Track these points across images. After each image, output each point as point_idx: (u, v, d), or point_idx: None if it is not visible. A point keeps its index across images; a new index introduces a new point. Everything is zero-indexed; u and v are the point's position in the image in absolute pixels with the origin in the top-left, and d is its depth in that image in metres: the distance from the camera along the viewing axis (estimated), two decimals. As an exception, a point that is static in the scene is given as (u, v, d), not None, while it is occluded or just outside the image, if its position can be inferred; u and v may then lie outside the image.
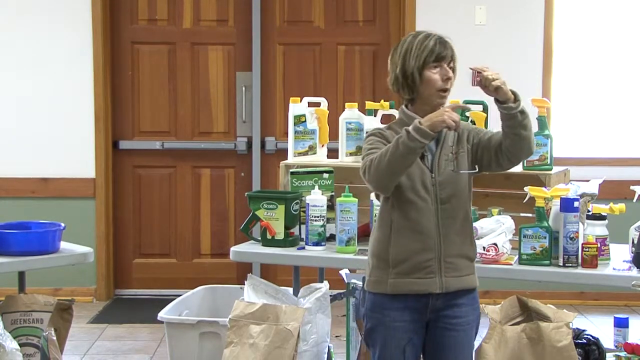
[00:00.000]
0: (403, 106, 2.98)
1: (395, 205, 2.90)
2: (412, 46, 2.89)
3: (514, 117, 2.83)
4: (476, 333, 3.03)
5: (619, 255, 3.55)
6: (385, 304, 2.93)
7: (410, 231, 2.89)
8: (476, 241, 3.43)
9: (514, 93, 2.84)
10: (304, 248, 3.74)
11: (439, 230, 2.89)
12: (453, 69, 2.93)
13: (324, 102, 4.23)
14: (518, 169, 3.84)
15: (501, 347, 3.16)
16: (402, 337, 2.92)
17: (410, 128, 2.77)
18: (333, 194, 3.85)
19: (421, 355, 3.02)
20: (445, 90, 2.90)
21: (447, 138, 2.92)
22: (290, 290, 3.86)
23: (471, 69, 2.87)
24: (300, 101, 4.16)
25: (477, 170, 2.95)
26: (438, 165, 2.90)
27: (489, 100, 4.10)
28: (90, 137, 5.94)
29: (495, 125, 4.17)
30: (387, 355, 2.93)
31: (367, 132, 3.10)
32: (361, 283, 3.79)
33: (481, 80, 2.83)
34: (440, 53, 2.89)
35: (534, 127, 3.78)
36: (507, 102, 2.82)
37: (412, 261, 2.89)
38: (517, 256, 3.46)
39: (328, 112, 4.21)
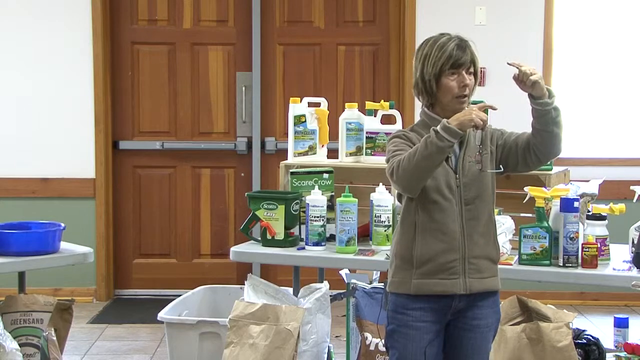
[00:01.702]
0: (425, 108, 2.97)
1: (420, 206, 2.89)
2: (430, 52, 2.88)
3: (548, 114, 2.84)
4: (494, 336, 3.02)
5: (619, 255, 3.55)
6: (407, 304, 2.91)
7: (435, 232, 2.88)
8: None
9: (548, 89, 2.84)
10: (304, 248, 3.74)
11: (463, 231, 2.88)
12: (474, 73, 2.91)
13: (324, 102, 4.23)
14: (518, 169, 3.84)
15: (501, 347, 3.16)
16: (423, 338, 2.90)
17: (438, 128, 2.76)
18: (333, 194, 3.85)
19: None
20: (464, 96, 2.88)
21: (470, 139, 2.92)
22: (290, 290, 3.86)
23: (509, 64, 2.86)
24: (300, 101, 4.16)
25: (502, 170, 2.94)
26: (462, 166, 2.89)
27: (489, 101, 4.12)
28: (90, 137, 5.94)
29: (495, 125, 4.18)
30: (407, 356, 2.92)
31: (389, 135, 3.10)
32: (362, 283, 3.79)
33: (518, 76, 2.81)
34: (457, 60, 2.86)
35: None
36: (542, 97, 2.83)
37: (436, 262, 2.88)
38: (517, 256, 3.46)
39: (328, 112, 4.21)
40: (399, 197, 3.02)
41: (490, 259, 2.94)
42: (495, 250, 2.97)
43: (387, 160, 2.89)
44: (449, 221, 2.87)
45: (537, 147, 2.88)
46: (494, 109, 2.97)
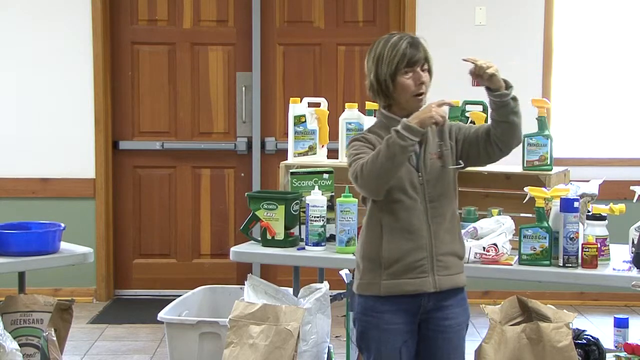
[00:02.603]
0: (382, 109, 2.97)
1: (384, 206, 2.90)
2: (383, 52, 2.89)
3: (507, 105, 2.83)
4: (465, 332, 3.05)
5: (619, 255, 3.55)
6: (377, 307, 2.91)
7: (401, 231, 2.88)
8: (476, 241, 3.45)
9: (505, 81, 2.84)
10: (304, 248, 3.74)
11: (429, 229, 2.89)
12: (429, 70, 2.91)
13: (324, 102, 4.23)
14: (518, 169, 3.84)
15: (501, 347, 3.16)
16: (397, 340, 2.91)
17: (399, 127, 2.76)
18: (333, 194, 3.85)
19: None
20: (421, 94, 2.88)
21: (429, 136, 2.92)
22: (290, 290, 3.86)
23: (464, 60, 2.88)
24: (300, 101, 4.16)
25: (462, 165, 2.95)
26: (424, 164, 2.90)
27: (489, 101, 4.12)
28: (90, 138, 5.94)
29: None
30: (383, 358, 2.92)
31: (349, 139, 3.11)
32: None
33: (475, 70, 2.82)
34: (412, 58, 2.87)
35: (534, 127, 3.82)
36: (499, 89, 2.83)
37: (404, 261, 2.88)
38: (517, 256, 3.46)
39: (328, 112, 4.21)
40: (364, 200, 3.02)
41: (457, 256, 2.97)
42: (461, 246, 3.00)
43: (350, 165, 2.88)
44: (414, 220, 2.88)
45: (498, 138, 2.87)
46: (452, 105, 2.98)
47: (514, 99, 2.84)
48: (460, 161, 2.95)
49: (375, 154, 2.79)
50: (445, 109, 2.88)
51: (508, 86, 2.84)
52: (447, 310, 2.94)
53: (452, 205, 2.96)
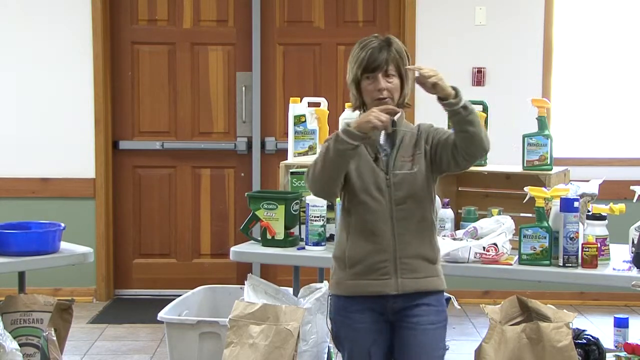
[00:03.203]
0: (357, 110, 2.99)
1: (351, 207, 2.91)
2: (351, 57, 2.94)
3: (458, 114, 2.78)
4: (443, 339, 2.98)
5: (619, 255, 3.55)
6: (347, 306, 2.94)
7: (364, 233, 2.89)
8: (476, 241, 3.45)
9: (455, 89, 2.79)
10: (304, 248, 3.74)
11: (394, 231, 2.87)
12: (399, 74, 2.90)
13: (324, 102, 4.23)
14: (518, 169, 3.85)
15: (501, 347, 3.16)
16: (366, 339, 2.92)
17: (339, 131, 2.79)
18: (333, 194, 3.84)
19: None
20: (383, 99, 2.86)
21: (405, 139, 2.92)
22: (290, 290, 3.86)
23: (407, 68, 2.87)
24: (300, 101, 4.16)
25: (415, 171, 2.90)
26: (394, 166, 2.89)
27: (489, 101, 4.13)
28: (90, 138, 5.94)
29: (495, 125, 4.18)
30: (354, 357, 2.94)
31: None
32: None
33: (418, 78, 2.80)
34: (370, 64, 2.87)
35: (534, 127, 3.82)
36: (447, 98, 2.78)
37: (366, 262, 2.89)
38: (517, 256, 3.46)
39: (328, 112, 4.21)
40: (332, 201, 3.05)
41: (426, 259, 2.92)
42: (432, 250, 2.94)
43: None
44: (378, 221, 2.87)
45: (461, 147, 2.83)
46: (396, 111, 2.90)
47: (465, 107, 2.78)
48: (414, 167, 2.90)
49: (318, 156, 2.83)
50: (401, 114, 2.90)
51: (457, 95, 2.78)
52: (417, 309, 2.90)
53: (423, 208, 2.92)
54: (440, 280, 2.96)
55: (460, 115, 2.78)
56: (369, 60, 2.87)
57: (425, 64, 5.97)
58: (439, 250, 3.00)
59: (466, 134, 2.79)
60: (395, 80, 2.89)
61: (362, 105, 2.95)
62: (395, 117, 2.89)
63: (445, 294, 3.48)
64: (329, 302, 3.04)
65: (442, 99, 2.79)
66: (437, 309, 2.94)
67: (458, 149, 2.83)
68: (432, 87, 2.77)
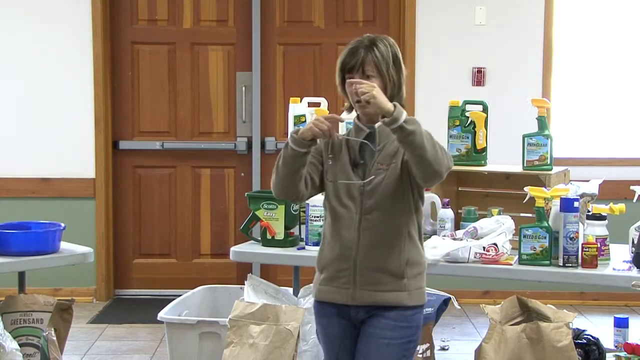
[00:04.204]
0: (354, 112, 2.93)
1: (326, 213, 2.91)
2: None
3: (396, 133, 2.65)
4: (408, 356, 2.86)
5: (619, 255, 3.56)
6: (319, 310, 2.94)
7: (332, 239, 2.86)
8: (476, 241, 3.44)
9: (395, 107, 2.64)
10: (304, 248, 3.74)
11: (358, 241, 2.81)
12: (380, 75, 2.80)
13: (324, 102, 4.22)
14: (518, 169, 3.85)
15: (501, 347, 3.16)
16: (334, 344, 2.91)
17: (288, 136, 2.80)
18: (333, 194, 3.84)
19: None
20: (358, 102, 2.74)
21: (386, 148, 2.83)
22: (290, 290, 3.86)
23: (349, 81, 2.78)
24: (300, 101, 4.16)
25: (361, 182, 2.81)
26: (370, 174, 2.82)
27: (489, 101, 4.13)
28: (90, 137, 5.94)
29: (495, 125, 4.18)
30: None
31: None
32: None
33: (356, 94, 2.72)
34: (345, 66, 2.83)
35: (534, 127, 3.81)
36: (385, 116, 2.65)
37: (330, 269, 2.87)
38: (517, 256, 3.46)
39: (328, 112, 4.21)
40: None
41: (390, 273, 2.80)
42: (398, 264, 2.81)
43: None
44: (343, 229, 2.82)
45: (412, 167, 2.72)
46: (341, 120, 2.87)
47: (401, 128, 2.62)
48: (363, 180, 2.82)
49: (277, 160, 2.83)
50: (348, 119, 2.87)
51: (394, 114, 2.63)
52: (377, 319, 2.81)
53: (395, 220, 2.81)
54: (410, 296, 2.82)
55: (398, 136, 2.66)
56: (345, 59, 2.84)
57: (425, 64, 5.99)
58: (416, 265, 2.85)
59: (411, 155, 2.68)
60: (375, 82, 2.77)
61: (352, 107, 2.89)
62: (377, 125, 2.82)
63: (444, 294, 3.49)
64: None
65: (382, 117, 2.67)
66: (397, 325, 2.81)
67: (412, 167, 2.73)
68: (367, 104, 2.67)
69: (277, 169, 2.83)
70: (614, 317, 4.06)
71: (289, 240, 3.78)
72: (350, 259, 2.82)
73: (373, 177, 2.81)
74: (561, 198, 3.39)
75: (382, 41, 2.85)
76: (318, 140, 2.81)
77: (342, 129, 4.08)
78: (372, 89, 2.66)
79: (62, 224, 3.91)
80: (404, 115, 2.64)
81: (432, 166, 2.66)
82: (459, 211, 3.85)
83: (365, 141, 2.84)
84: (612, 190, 4.67)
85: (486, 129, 3.93)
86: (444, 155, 2.70)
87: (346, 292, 2.83)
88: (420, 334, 2.91)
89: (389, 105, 2.64)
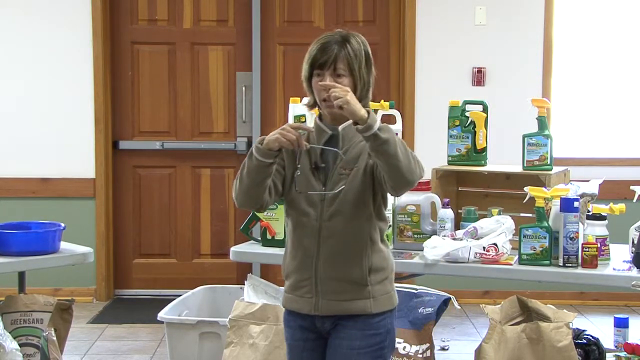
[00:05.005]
0: (312, 110, 2.87)
1: (288, 220, 2.79)
2: (308, 52, 2.76)
3: (368, 140, 2.55)
4: None
5: (619, 255, 3.55)
6: (285, 318, 2.85)
7: (293, 248, 2.76)
8: (476, 241, 3.44)
9: (369, 114, 2.55)
10: (304, 248, 3.73)
11: (318, 250, 2.71)
12: (352, 74, 2.70)
13: (323, 102, 4.21)
14: (518, 169, 3.85)
15: (501, 347, 3.16)
16: (296, 356, 2.81)
17: (253, 147, 2.67)
18: (333, 194, 3.83)
19: None
20: (325, 100, 2.66)
21: (349, 152, 2.71)
22: (290, 290, 3.85)
23: (320, 84, 2.68)
24: (300, 101, 4.15)
25: (345, 186, 2.69)
26: (332, 180, 2.71)
27: (489, 101, 4.13)
28: (90, 137, 5.94)
29: (495, 125, 4.18)
30: None
31: None
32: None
33: (330, 98, 2.62)
34: (316, 62, 2.70)
35: (534, 127, 3.81)
36: (358, 123, 2.54)
37: (292, 278, 2.77)
38: (517, 256, 3.46)
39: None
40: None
41: (352, 282, 2.71)
42: (360, 272, 2.71)
43: None
44: (304, 237, 2.72)
45: (383, 175, 2.61)
46: (309, 130, 2.74)
47: (375, 137, 2.52)
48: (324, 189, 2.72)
49: (240, 169, 2.72)
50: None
51: (367, 122, 2.53)
52: (345, 330, 2.72)
53: (357, 226, 2.70)
54: (376, 302, 2.73)
55: (371, 144, 2.55)
56: (316, 55, 2.70)
57: (425, 64, 5.99)
58: (380, 270, 2.75)
59: (381, 163, 2.57)
60: (345, 81, 2.67)
61: (315, 104, 2.77)
62: (340, 127, 2.72)
63: (444, 294, 3.49)
64: None
65: (355, 123, 2.56)
66: (366, 333, 2.72)
67: (383, 175, 2.62)
68: (339, 109, 2.57)
69: (241, 179, 2.70)
70: (614, 317, 4.06)
71: (289, 240, 3.77)
72: (312, 268, 2.71)
73: (343, 187, 2.69)
74: (561, 198, 3.39)
75: (354, 38, 2.74)
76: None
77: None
78: (346, 93, 2.55)
79: (62, 224, 3.91)
80: (378, 122, 2.55)
81: (404, 176, 2.57)
82: (459, 211, 3.85)
83: (332, 148, 2.72)
84: (612, 190, 4.67)
85: (486, 129, 3.93)
86: (417, 165, 2.62)
87: (309, 302, 2.73)
88: (393, 338, 2.81)
89: (363, 112, 2.54)
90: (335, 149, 2.71)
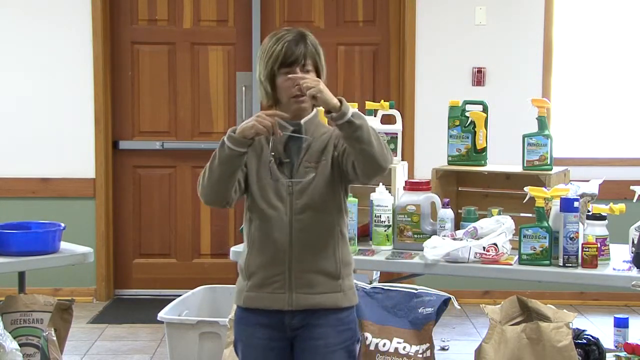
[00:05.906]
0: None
1: (251, 215, 2.76)
2: (264, 51, 2.74)
3: (342, 128, 2.59)
4: (354, 356, 2.80)
5: (619, 255, 3.55)
6: (243, 318, 2.79)
7: (261, 243, 2.73)
8: (476, 241, 3.44)
9: (341, 102, 2.58)
10: (304, 248, 3.73)
11: (291, 243, 2.70)
12: (317, 70, 2.74)
13: (323, 102, 4.22)
14: (518, 169, 3.85)
15: (501, 347, 3.16)
16: (258, 356, 2.77)
17: (225, 136, 2.65)
18: (333, 194, 3.83)
19: None
20: (298, 96, 2.68)
21: (313, 145, 2.74)
22: (290, 290, 3.85)
23: (289, 77, 2.68)
24: (300, 101, 4.15)
25: (315, 178, 2.71)
26: (298, 173, 2.72)
27: (489, 101, 4.13)
28: (90, 137, 5.94)
29: (495, 125, 4.18)
30: None
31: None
32: (362, 284, 3.79)
33: (301, 89, 2.64)
34: (287, 58, 2.70)
35: (534, 127, 3.81)
36: (331, 112, 2.58)
37: (262, 274, 2.73)
38: (517, 256, 3.46)
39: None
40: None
41: (326, 274, 2.72)
42: (334, 264, 2.73)
43: None
44: (275, 231, 2.70)
45: (355, 163, 2.64)
46: (284, 117, 2.71)
47: (350, 123, 2.56)
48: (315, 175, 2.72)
49: (209, 162, 2.69)
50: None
51: (341, 110, 2.57)
52: (317, 330, 2.72)
53: (327, 219, 2.73)
54: (345, 296, 2.75)
55: (345, 132, 2.58)
56: (286, 53, 2.69)
57: (425, 64, 5.99)
58: (348, 264, 2.78)
59: (355, 150, 2.60)
60: (313, 76, 2.70)
61: (275, 104, 2.76)
62: (302, 121, 2.73)
63: (444, 294, 3.48)
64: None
65: (327, 112, 2.59)
66: (338, 329, 2.74)
67: (354, 163, 2.65)
68: (312, 99, 2.60)
69: (211, 171, 2.68)
70: (614, 317, 4.06)
71: (289, 240, 3.77)
72: (285, 262, 2.70)
73: (314, 174, 2.70)
74: (561, 198, 3.39)
75: (309, 34, 2.78)
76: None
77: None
78: (318, 83, 2.59)
79: (62, 224, 3.91)
80: (351, 109, 2.58)
81: (378, 161, 2.60)
82: (459, 211, 3.85)
83: (296, 134, 2.72)
84: (612, 190, 4.67)
85: (486, 129, 3.93)
86: (388, 151, 2.66)
87: (281, 297, 2.71)
88: (358, 330, 2.86)
89: (335, 100, 2.57)
90: (305, 136, 2.73)
